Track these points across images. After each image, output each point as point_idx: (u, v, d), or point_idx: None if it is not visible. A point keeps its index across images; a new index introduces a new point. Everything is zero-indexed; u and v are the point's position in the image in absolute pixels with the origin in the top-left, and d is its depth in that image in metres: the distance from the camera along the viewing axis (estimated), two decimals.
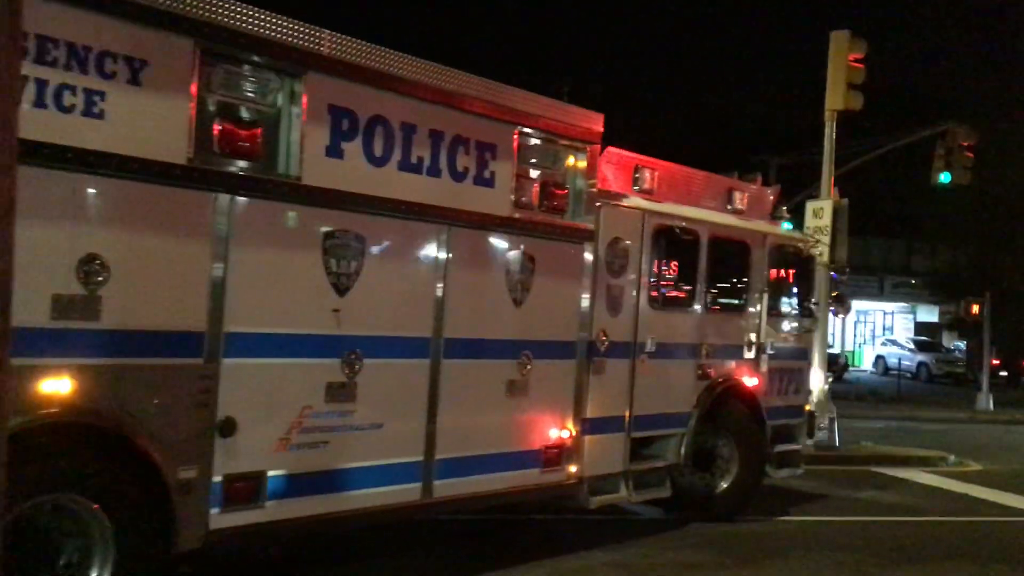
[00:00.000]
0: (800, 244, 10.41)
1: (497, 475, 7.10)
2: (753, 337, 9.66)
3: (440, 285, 6.65)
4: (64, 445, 4.86)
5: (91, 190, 4.90)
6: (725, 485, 9.49)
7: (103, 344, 4.92)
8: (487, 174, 6.98)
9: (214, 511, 5.42)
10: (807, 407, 10.66)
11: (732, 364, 9.47)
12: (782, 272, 10.12)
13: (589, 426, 7.87)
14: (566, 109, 7.69)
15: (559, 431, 7.58)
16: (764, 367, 9.78)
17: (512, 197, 7.15)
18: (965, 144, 18.28)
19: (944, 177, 18.30)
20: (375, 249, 6.23)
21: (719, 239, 9.28)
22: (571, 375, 7.74)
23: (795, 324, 10.33)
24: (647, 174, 8.63)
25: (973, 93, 33.84)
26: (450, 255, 6.70)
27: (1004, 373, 34.92)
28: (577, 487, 7.82)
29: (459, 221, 6.74)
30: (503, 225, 7.09)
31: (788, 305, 10.26)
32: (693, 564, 7.84)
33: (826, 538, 9.15)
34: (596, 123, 7.86)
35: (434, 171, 6.60)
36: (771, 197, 10.30)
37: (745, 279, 9.68)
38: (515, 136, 7.13)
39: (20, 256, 4.73)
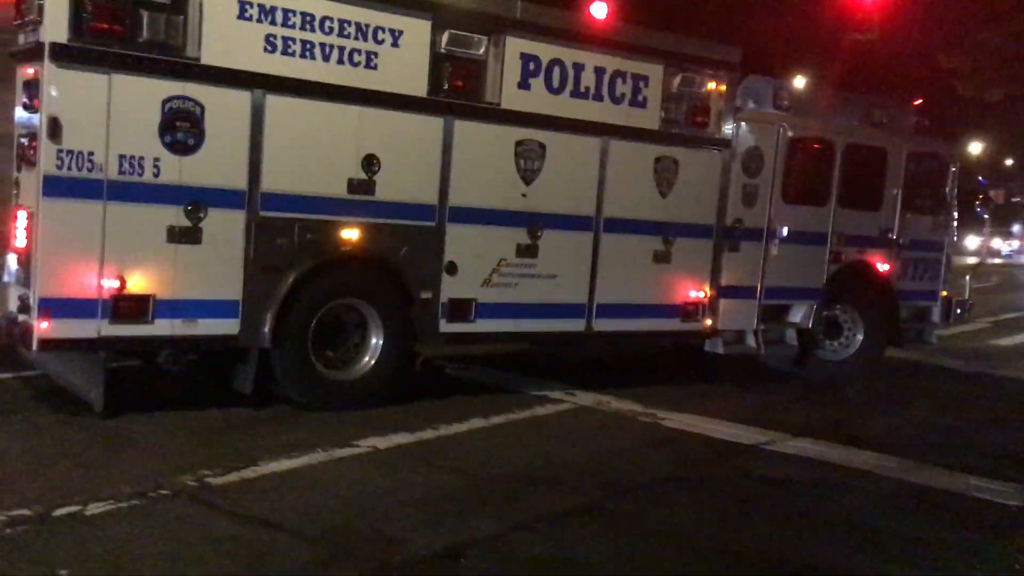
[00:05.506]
0: (935, 151, 11.96)
1: (644, 320, 9.74)
2: (887, 230, 11.52)
3: (600, 179, 9.27)
4: (354, 269, 8.08)
5: (370, 114, 7.93)
6: (851, 352, 11.55)
7: (377, 210, 8.03)
8: (640, 98, 9.46)
9: (443, 321, 8.50)
10: (943, 292, 12.32)
11: (865, 251, 11.40)
12: (919, 176, 11.79)
13: (724, 291, 10.26)
14: (706, 45, 9.95)
15: (697, 292, 10.05)
16: (897, 255, 11.63)
17: (660, 115, 9.58)
18: None
19: None
20: (553, 153, 8.94)
21: (854, 147, 11.18)
22: (708, 251, 10.14)
23: (930, 221, 11.99)
24: (785, 93, 10.70)
25: None
26: (609, 157, 9.29)
27: None
28: (712, 335, 10.29)
29: (616, 134, 9.30)
30: (651, 136, 9.55)
31: (924, 204, 11.92)
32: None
33: None
34: (733, 55, 10.05)
35: (598, 97, 9.18)
36: (911, 110, 11.93)
37: (880, 181, 11.49)
38: (661, 68, 9.52)
39: (328, 156, 7.91)
